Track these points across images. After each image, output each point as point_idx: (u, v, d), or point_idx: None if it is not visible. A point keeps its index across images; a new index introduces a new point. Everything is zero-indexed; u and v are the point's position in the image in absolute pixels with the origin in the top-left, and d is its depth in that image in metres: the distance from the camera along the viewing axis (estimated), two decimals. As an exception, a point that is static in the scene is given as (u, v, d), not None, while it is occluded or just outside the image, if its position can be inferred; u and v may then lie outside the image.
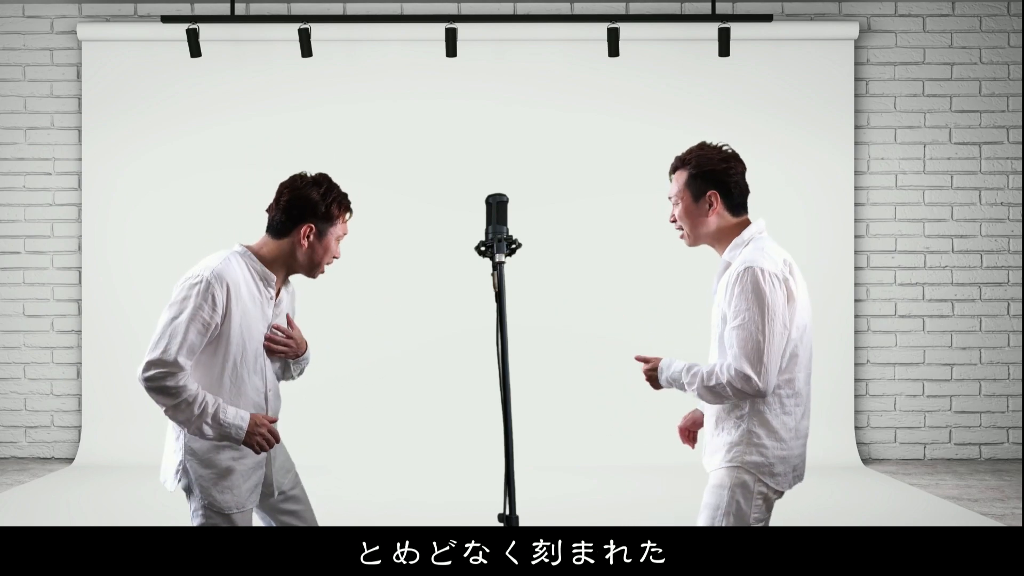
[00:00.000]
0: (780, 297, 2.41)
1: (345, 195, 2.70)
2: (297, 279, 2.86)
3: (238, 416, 2.53)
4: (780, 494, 2.53)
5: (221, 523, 2.58)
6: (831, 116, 6.46)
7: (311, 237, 2.64)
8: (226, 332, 2.55)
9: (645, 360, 2.62)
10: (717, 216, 2.55)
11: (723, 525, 2.47)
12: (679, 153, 2.62)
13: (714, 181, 2.53)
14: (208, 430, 2.50)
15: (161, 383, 2.46)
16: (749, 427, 2.47)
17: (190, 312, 2.49)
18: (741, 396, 2.42)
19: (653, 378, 2.59)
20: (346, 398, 6.39)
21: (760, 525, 2.49)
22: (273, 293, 2.68)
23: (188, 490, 2.60)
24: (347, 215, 2.70)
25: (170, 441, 2.64)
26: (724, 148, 2.59)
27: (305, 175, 2.69)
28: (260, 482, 2.68)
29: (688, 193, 2.56)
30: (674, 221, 2.62)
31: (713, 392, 2.45)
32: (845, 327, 6.48)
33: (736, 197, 2.56)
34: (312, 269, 2.71)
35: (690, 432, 2.78)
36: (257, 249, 2.67)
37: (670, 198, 2.61)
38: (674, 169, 2.61)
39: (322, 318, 6.44)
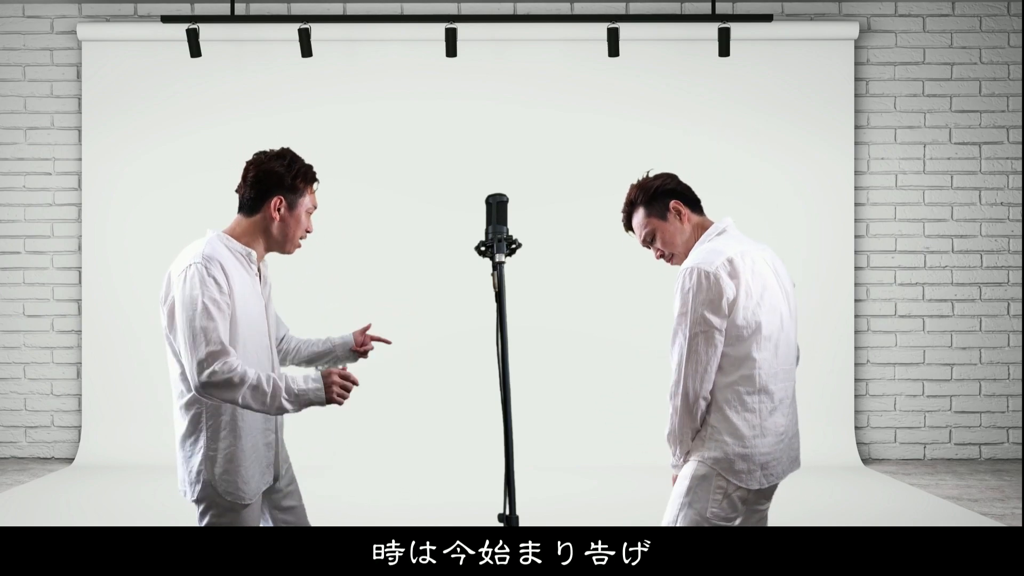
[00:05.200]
0: (705, 294, 2.49)
1: (310, 166, 2.68)
2: (275, 260, 2.87)
3: (309, 380, 2.49)
4: (749, 492, 2.54)
5: (231, 519, 2.54)
6: (831, 116, 6.46)
7: (281, 209, 2.63)
8: (232, 311, 2.52)
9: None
10: (688, 220, 2.67)
11: (679, 515, 2.54)
12: (621, 209, 2.77)
13: (666, 193, 2.67)
14: (289, 405, 2.45)
15: (223, 376, 2.40)
16: (710, 421, 2.54)
17: (202, 299, 2.45)
18: (684, 403, 2.53)
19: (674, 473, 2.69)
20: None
21: (725, 523, 2.51)
22: (256, 270, 2.67)
23: (204, 490, 2.54)
24: (314, 186, 2.69)
25: (184, 448, 2.58)
26: (649, 173, 2.74)
27: (268, 151, 2.69)
28: (271, 463, 2.67)
29: (654, 219, 2.68)
30: (660, 256, 2.73)
31: (669, 423, 2.56)
32: (845, 327, 6.48)
33: (690, 196, 2.70)
34: (286, 243, 2.67)
35: None
36: (231, 231, 2.66)
37: (643, 243, 2.73)
38: (627, 217, 2.74)
39: (322, 318, 6.43)
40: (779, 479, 2.59)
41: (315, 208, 2.71)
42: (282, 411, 2.47)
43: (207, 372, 2.40)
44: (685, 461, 2.60)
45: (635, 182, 2.72)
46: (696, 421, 2.53)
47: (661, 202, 2.66)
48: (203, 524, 2.58)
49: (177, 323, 2.49)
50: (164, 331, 2.57)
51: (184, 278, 2.48)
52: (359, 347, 3.02)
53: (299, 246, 2.71)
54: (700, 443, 2.55)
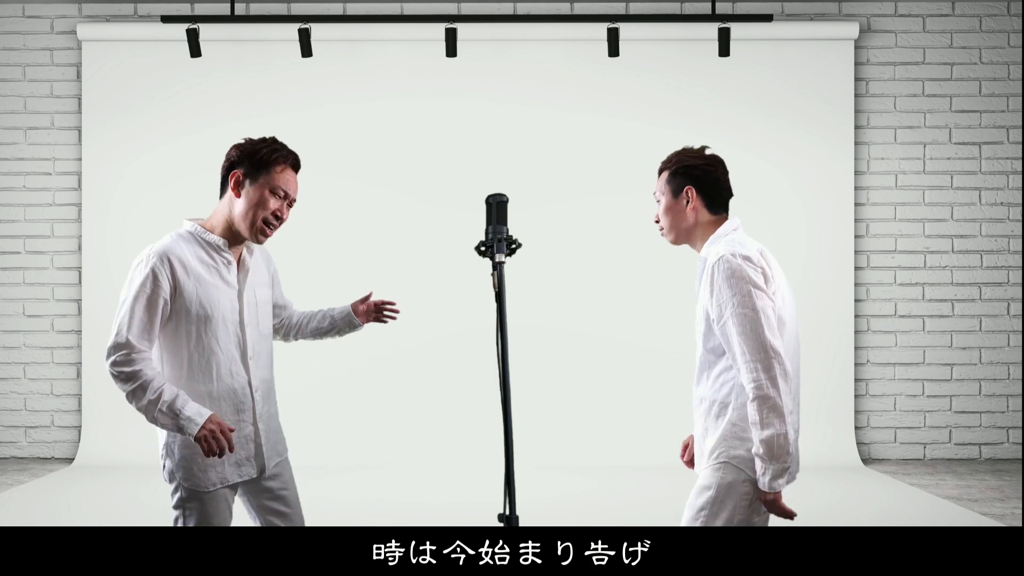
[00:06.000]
0: (751, 274, 2.40)
1: (280, 150, 2.58)
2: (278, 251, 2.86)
3: (197, 412, 2.47)
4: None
5: (197, 508, 2.55)
6: (831, 116, 6.46)
7: (239, 186, 2.56)
8: (182, 306, 2.53)
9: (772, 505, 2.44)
10: (694, 212, 2.59)
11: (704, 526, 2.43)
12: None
13: (691, 177, 2.59)
14: (163, 419, 2.46)
15: (120, 368, 2.47)
16: (732, 419, 2.43)
17: (135, 291, 2.51)
18: (780, 384, 2.34)
19: (771, 497, 2.41)
20: (346, 398, 6.39)
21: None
22: (230, 258, 2.63)
23: (171, 475, 2.58)
24: (281, 167, 2.57)
25: (158, 433, 2.65)
26: (705, 150, 2.66)
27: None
28: (250, 456, 2.65)
29: (668, 189, 2.63)
30: (657, 221, 2.68)
31: (769, 422, 2.33)
32: (845, 327, 6.48)
33: (713, 195, 2.60)
34: (247, 223, 2.57)
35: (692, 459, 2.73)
36: (207, 220, 2.66)
37: (654, 194, 2.69)
38: (659, 172, 2.69)
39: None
40: (793, 480, 2.50)
41: (290, 197, 2.60)
42: (155, 421, 2.49)
43: (111, 360, 2.49)
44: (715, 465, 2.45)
45: (685, 148, 2.66)
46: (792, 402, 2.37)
47: (681, 179, 2.60)
48: (173, 505, 2.59)
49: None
50: None
51: (134, 265, 2.57)
52: (365, 317, 3.05)
53: (265, 233, 2.59)
54: (723, 443, 2.44)
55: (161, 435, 2.61)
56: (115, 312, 2.54)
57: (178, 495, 2.58)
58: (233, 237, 2.63)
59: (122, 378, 2.48)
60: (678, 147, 2.72)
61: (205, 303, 2.55)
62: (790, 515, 2.43)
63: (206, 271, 2.58)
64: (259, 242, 2.63)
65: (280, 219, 2.60)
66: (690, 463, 2.74)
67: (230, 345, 2.61)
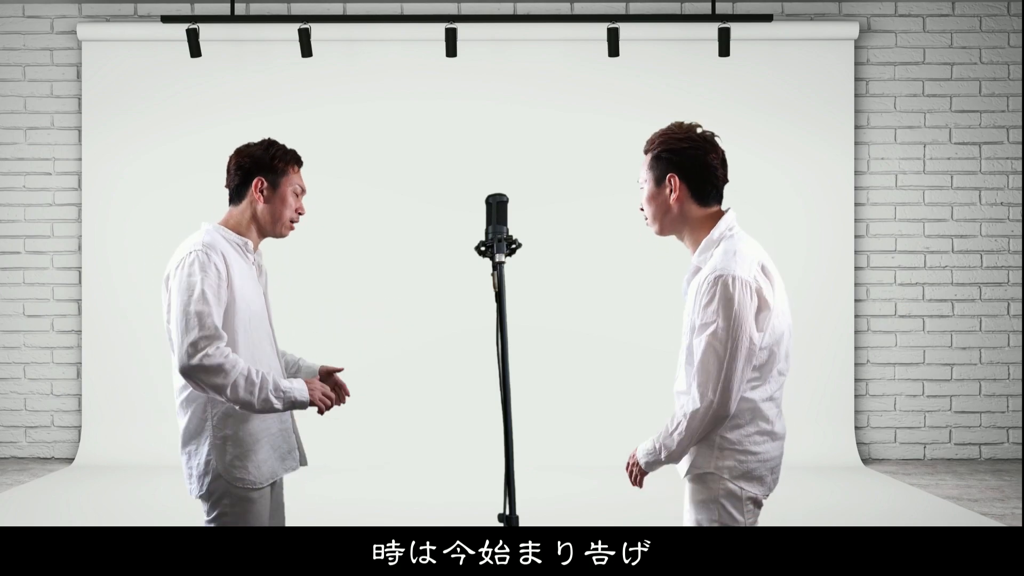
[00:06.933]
0: (750, 308, 2.23)
1: (292, 150, 2.72)
2: (273, 254, 2.88)
3: (293, 381, 2.54)
4: (758, 501, 2.38)
5: (242, 509, 2.52)
6: (831, 116, 6.46)
7: (264, 191, 2.66)
8: (231, 298, 2.55)
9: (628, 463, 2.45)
10: (679, 202, 2.36)
11: None
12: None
13: (674, 163, 2.35)
14: (276, 402, 2.48)
15: (216, 361, 2.40)
16: (722, 433, 2.31)
17: (201, 286, 2.47)
18: (706, 425, 2.27)
19: (638, 469, 2.42)
20: (347, 398, 6.39)
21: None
22: (253, 258, 2.71)
23: (215, 483, 2.53)
24: (295, 167, 2.72)
25: (190, 442, 2.57)
26: (694, 128, 2.42)
27: (248, 142, 2.75)
28: (293, 448, 2.70)
29: (651, 176, 2.39)
30: (642, 210, 2.45)
31: (678, 439, 2.29)
32: (845, 327, 6.48)
33: (702, 182, 2.35)
34: (276, 224, 2.70)
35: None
36: (225, 222, 2.70)
37: (638, 180, 2.46)
38: (644, 152, 2.46)
39: (323, 317, 6.44)
40: (777, 483, 2.43)
41: (303, 190, 2.74)
42: (267, 405, 2.47)
43: (200, 355, 2.41)
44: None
45: (668, 127, 2.42)
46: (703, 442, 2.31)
47: (664, 165, 2.36)
48: (212, 516, 2.55)
49: (172, 307, 2.51)
50: (166, 327, 2.57)
51: (183, 264, 2.52)
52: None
53: (291, 228, 2.73)
54: (709, 452, 2.33)
55: (202, 446, 2.54)
56: (177, 311, 2.46)
57: (220, 507, 2.53)
58: (253, 239, 2.71)
59: (220, 371, 2.40)
60: None
61: (248, 300, 2.61)
62: (635, 486, 2.45)
63: (240, 269, 2.62)
64: (283, 235, 2.76)
65: (301, 213, 2.75)
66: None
67: (264, 342, 2.67)
